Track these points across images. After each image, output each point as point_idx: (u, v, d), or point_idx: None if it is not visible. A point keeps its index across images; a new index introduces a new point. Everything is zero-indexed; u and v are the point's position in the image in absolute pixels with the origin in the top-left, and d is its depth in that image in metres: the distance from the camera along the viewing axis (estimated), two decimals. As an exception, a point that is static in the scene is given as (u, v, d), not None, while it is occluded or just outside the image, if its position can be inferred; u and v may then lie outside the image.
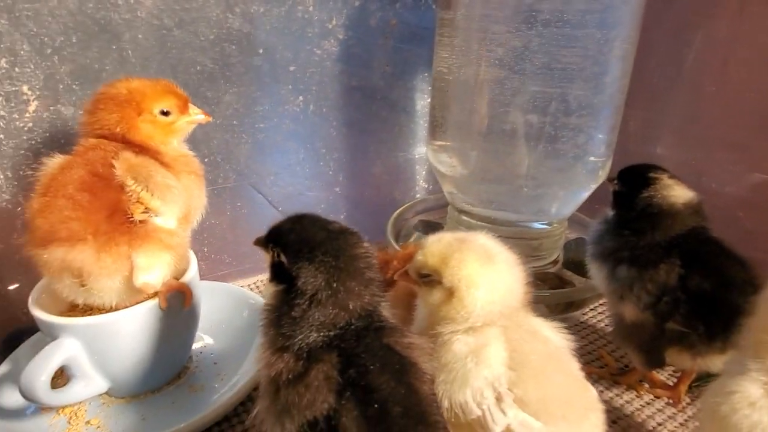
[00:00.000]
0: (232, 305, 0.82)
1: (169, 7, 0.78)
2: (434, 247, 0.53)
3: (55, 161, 0.62)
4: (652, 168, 0.68)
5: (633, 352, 0.69)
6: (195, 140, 0.86)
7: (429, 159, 0.95)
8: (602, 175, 0.86)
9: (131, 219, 0.60)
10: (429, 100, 1.06)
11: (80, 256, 0.57)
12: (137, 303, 0.63)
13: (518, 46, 0.76)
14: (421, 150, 1.11)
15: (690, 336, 0.63)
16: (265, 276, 1.00)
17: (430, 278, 0.52)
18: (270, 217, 0.98)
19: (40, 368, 0.57)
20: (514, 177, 0.83)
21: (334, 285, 0.47)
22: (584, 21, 0.74)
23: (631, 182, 0.68)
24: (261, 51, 0.87)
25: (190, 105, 0.68)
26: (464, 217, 0.92)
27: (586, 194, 0.88)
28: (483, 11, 0.78)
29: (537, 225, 0.90)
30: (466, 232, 0.55)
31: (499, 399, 0.45)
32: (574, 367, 0.51)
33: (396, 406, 0.42)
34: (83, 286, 0.60)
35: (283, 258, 0.49)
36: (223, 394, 0.68)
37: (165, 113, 0.65)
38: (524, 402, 0.45)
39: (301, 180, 1.00)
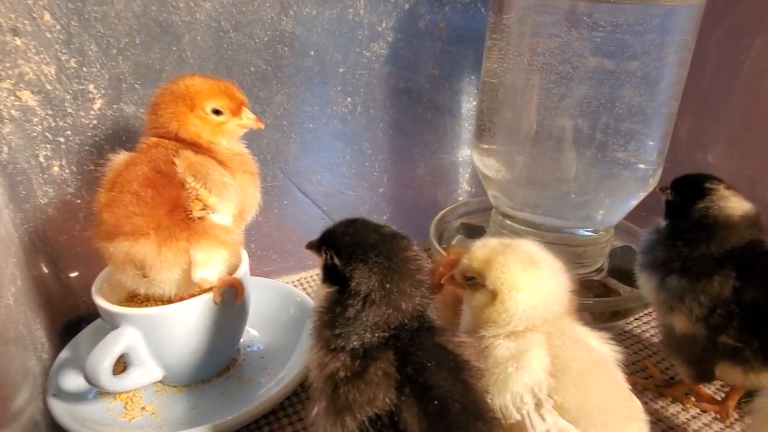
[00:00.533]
0: (278, 301, 0.84)
1: (227, 10, 0.80)
2: (479, 251, 0.55)
3: (120, 157, 0.65)
4: (708, 178, 0.67)
5: (681, 365, 0.68)
6: (246, 138, 0.88)
7: (474, 162, 0.95)
8: (652, 184, 0.84)
9: (190, 215, 0.62)
10: (474, 103, 1.06)
11: (143, 249, 0.60)
12: (192, 295, 0.66)
13: (570, 51, 0.75)
14: (464, 153, 1.11)
15: (744, 351, 0.61)
16: (308, 273, 1.03)
17: (474, 281, 0.54)
18: (315, 217, 1.01)
19: (104, 355, 0.60)
20: (561, 183, 0.82)
21: (387, 286, 0.48)
22: (639, 27, 0.73)
23: (686, 192, 0.67)
24: (312, 53, 0.89)
25: (244, 109, 0.70)
26: (508, 221, 0.92)
27: (634, 202, 0.86)
28: (536, 16, 0.78)
29: (582, 232, 0.89)
30: (512, 238, 0.55)
31: (538, 405, 0.46)
32: (618, 376, 0.50)
33: (455, 402, 0.44)
34: (145, 277, 0.62)
35: (336, 260, 0.50)
36: (271, 388, 0.70)
37: (217, 112, 0.67)
38: (564, 408, 0.46)
39: (345, 180, 1.02)
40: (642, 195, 0.85)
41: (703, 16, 0.78)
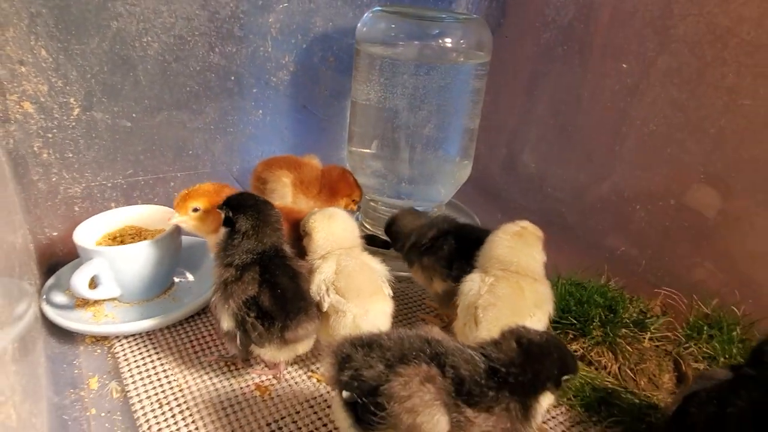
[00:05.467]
0: (201, 251, 1.20)
1: (170, 48, 1.15)
2: (307, 216, 0.93)
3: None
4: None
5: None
6: (183, 139, 1.24)
7: (347, 159, 1.34)
8: (460, 178, 1.25)
9: None
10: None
11: None
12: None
13: (400, 86, 1.14)
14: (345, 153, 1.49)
15: None
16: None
17: (305, 231, 0.92)
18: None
19: (83, 273, 0.95)
20: (398, 175, 1.22)
21: (256, 228, 0.86)
22: (443, 74, 1.13)
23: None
24: (232, 78, 1.25)
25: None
26: (371, 203, 1.31)
27: (451, 189, 1.27)
28: (379, 63, 1.17)
29: (420, 208, 1.29)
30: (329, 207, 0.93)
31: (327, 290, 0.84)
32: (377, 276, 0.87)
33: (290, 291, 0.82)
34: None
35: (230, 213, 0.88)
36: (192, 301, 1.05)
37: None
38: (339, 289, 0.83)
39: (259, 169, 1.38)
40: (453, 183, 1.26)
41: (510, 66, 1.18)
